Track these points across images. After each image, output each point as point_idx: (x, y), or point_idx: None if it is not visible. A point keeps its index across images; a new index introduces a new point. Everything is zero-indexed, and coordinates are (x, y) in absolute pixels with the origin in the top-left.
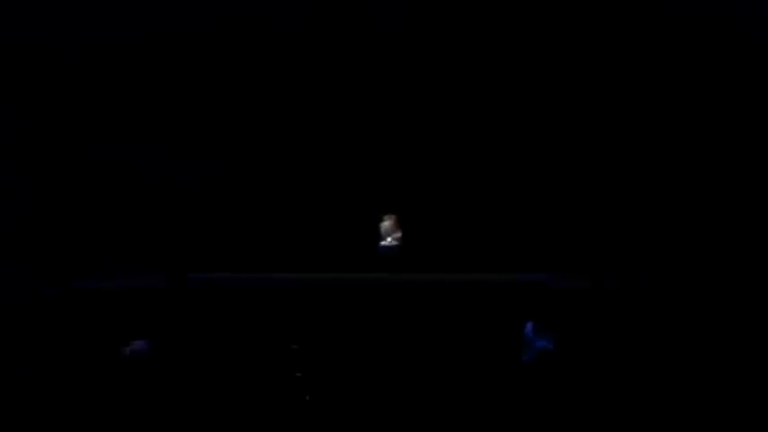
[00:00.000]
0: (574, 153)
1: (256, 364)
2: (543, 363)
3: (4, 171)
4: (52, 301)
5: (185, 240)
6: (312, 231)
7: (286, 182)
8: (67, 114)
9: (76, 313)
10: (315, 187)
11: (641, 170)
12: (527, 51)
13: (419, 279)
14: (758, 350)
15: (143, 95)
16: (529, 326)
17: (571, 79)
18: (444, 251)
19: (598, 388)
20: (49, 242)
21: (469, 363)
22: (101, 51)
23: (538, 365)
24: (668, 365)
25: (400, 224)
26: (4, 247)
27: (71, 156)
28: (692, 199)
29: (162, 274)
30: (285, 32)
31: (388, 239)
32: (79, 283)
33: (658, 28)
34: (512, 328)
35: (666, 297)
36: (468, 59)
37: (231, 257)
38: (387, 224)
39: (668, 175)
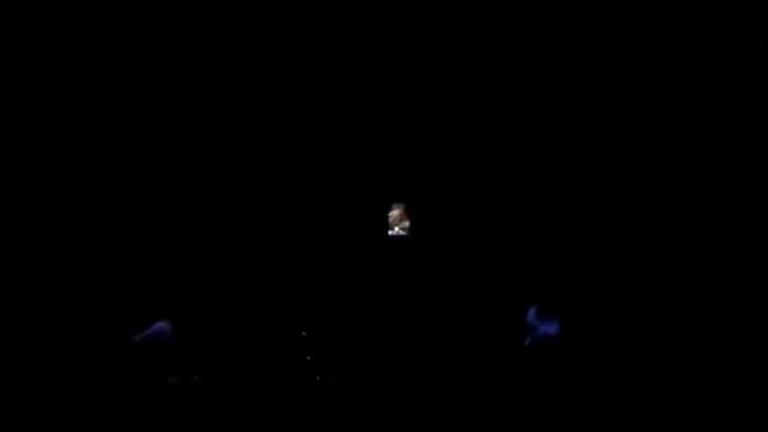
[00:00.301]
0: (577, 141)
1: (268, 349)
2: (545, 348)
3: None
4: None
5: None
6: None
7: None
8: None
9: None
10: (324, 177)
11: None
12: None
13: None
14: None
15: None
16: (532, 311)
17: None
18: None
19: (600, 374)
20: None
21: (472, 350)
22: None
23: (540, 350)
24: (672, 355)
25: (408, 214)
26: None
27: None
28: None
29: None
30: None
31: (396, 229)
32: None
33: None
34: (514, 312)
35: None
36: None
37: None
38: (395, 213)
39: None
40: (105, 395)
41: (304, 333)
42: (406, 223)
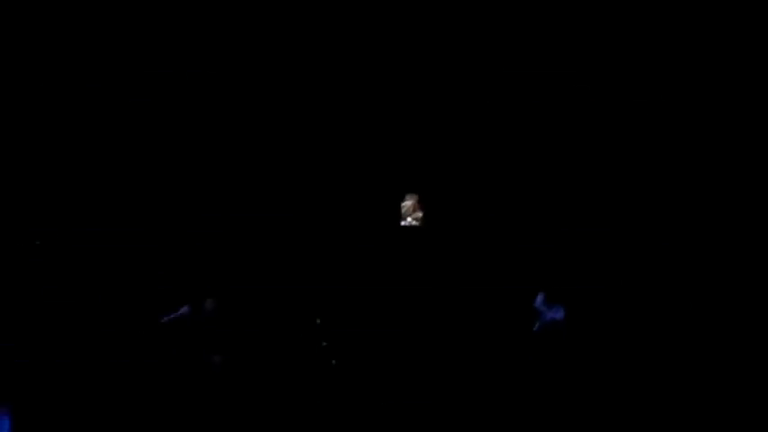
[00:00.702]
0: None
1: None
2: (553, 333)
3: None
4: None
5: None
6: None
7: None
8: None
9: None
10: (339, 169)
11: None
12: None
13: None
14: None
15: None
16: (539, 297)
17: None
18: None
19: (606, 360)
20: None
21: (483, 336)
22: None
23: (547, 336)
24: (673, 344)
25: (422, 204)
26: None
27: None
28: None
29: None
30: None
31: (409, 219)
32: None
33: None
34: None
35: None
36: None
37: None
38: (408, 204)
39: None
40: (131, 375)
41: (319, 320)
42: (420, 214)
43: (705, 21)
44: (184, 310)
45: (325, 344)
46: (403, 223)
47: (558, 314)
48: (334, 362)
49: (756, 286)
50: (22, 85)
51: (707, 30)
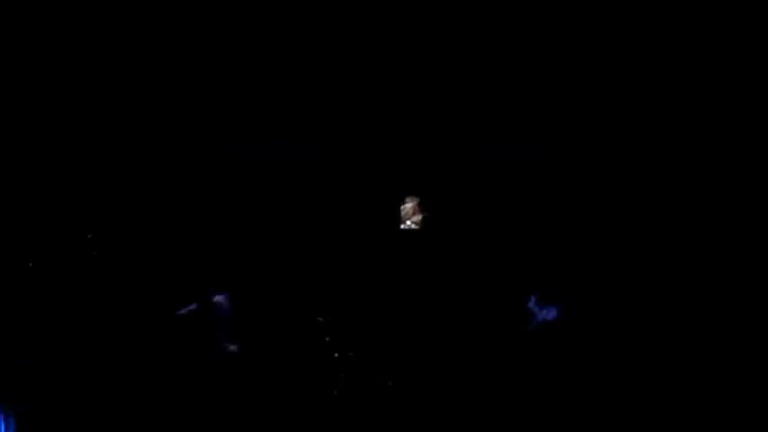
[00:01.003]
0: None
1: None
2: (546, 334)
3: None
4: None
5: None
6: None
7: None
8: None
9: None
10: (339, 171)
11: None
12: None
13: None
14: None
15: None
16: (532, 298)
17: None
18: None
19: (600, 360)
20: None
21: (477, 336)
22: None
23: (541, 336)
24: (669, 345)
25: (422, 207)
26: None
27: None
28: None
29: None
30: None
31: (409, 222)
32: None
33: None
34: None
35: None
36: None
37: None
38: (408, 206)
39: None
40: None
41: (321, 319)
42: (420, 217)
43: (705, 21)
44: (193, 306)
45: (328, 339)
46: (403, 226)
47: (550, 315)
48: (336, 355)
49: (756, 287)
50: (22, 84)
51: (707, 30)
